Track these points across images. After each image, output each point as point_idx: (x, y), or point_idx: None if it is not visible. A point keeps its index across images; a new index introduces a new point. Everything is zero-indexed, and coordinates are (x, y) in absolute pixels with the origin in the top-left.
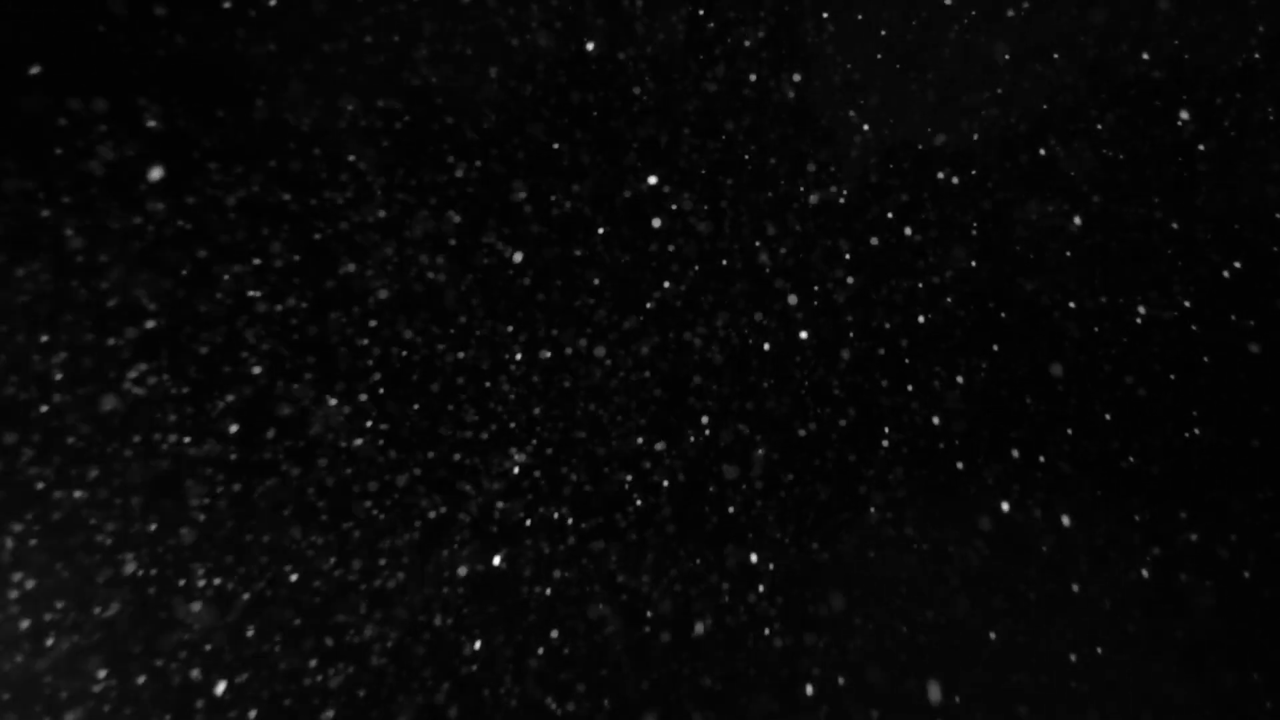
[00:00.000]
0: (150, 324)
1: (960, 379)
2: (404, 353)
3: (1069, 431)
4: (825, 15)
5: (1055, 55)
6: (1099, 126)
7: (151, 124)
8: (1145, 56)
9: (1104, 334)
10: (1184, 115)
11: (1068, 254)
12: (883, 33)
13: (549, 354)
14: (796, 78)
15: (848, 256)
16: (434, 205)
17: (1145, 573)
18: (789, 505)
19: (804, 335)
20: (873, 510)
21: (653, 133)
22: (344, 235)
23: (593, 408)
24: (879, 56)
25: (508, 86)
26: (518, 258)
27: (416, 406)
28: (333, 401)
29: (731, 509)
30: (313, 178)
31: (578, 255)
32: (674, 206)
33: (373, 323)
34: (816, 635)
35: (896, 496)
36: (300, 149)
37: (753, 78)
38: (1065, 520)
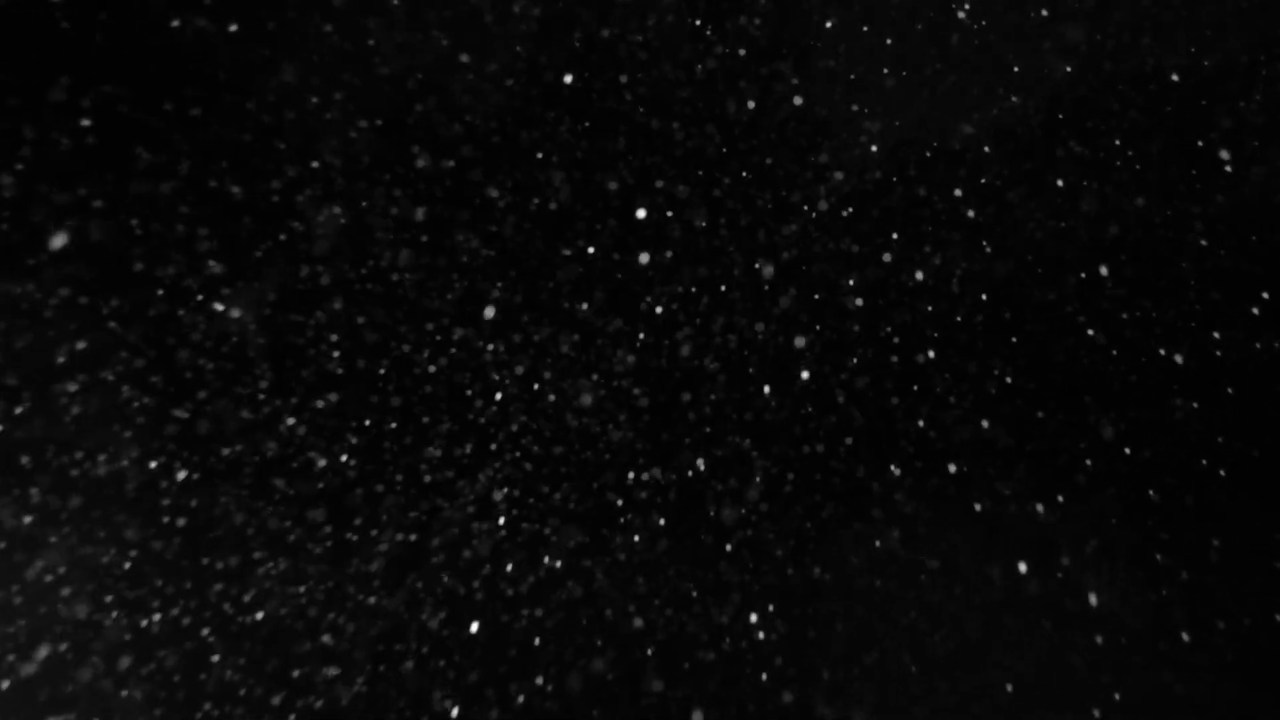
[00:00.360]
0: (83, 341)
1: (974, 389)
2: (370, 362)
3: (1092, 446)
4: (828, 7)
5: (1072, 48)
6: (1116, 140)
7: (86, 123)
8: (1164, 61)
9: (1129, 343)
10: (1204, 116)
11: (1086, 258)
12: (889, 20)
13: (530, 361)
14: (795, 80)
15: (852, 262)
16: (404, 201)
17: (1173, 601)
18: (789, 523)
19: (806, 340)
20: (879, 537)
21: (642, 121)
22: (307, 234)
23: (578, 420)
24: (886, 46)
25: (484, 72)
26: (494, 287)
27: (385, 419)
28: (291, 420)
29: (728, 527)
30: (272, 172)
31: (562, 255)
32: (668, 211)
33: (333, 336)
34: (819, 667)
35: (905, 513)
36: (258, 141)
37: (750, 66)
38: (1088, 541)
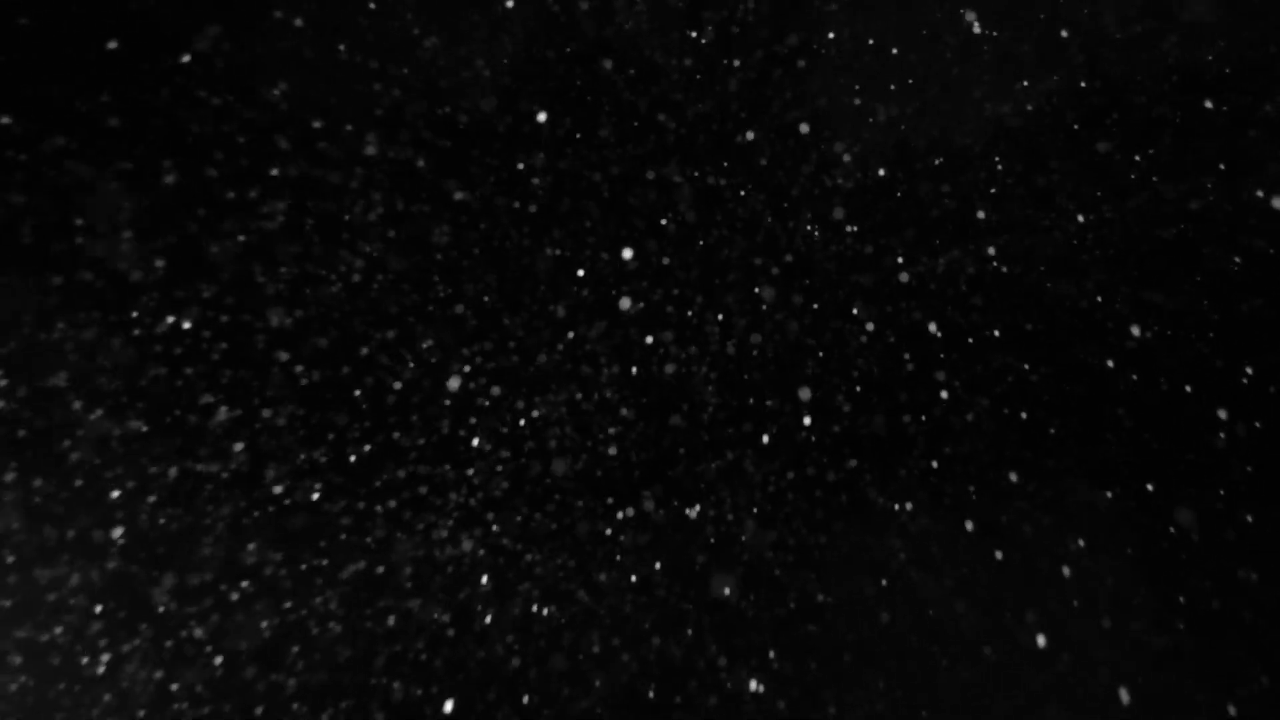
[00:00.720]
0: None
1: (988, 400)
2: (333, 373)
3: (1116, 457)
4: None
5: (1086, 40)
6: (1142, 137)
7: (5, 120)
8: (1189, 56)
9: (1157, 348)
10: (1222, 110)
11: (1107, 257)
12: (896, 7)
13: (508, 370)
14: (801, 63)
15: (856, 263)
16: (371, 197)
17: (1201, 636)
18: (791, 545)
19: (808, 348)
20: (888, 560)
21: (630, 109)
22: (266, 234)
23: (560, 431)
24: (891, 34)
25: (456, 55)
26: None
27: (349, 435)
28: (241, 444)
29: (724, 552)
30: (228, 170)
31: (545, 254)
32: (659, 214)
33: (283, 352)
34: (825, 702)
35: (915, 533)
36: (211, 134)
37: (745, 52)
38: (1112, 558)
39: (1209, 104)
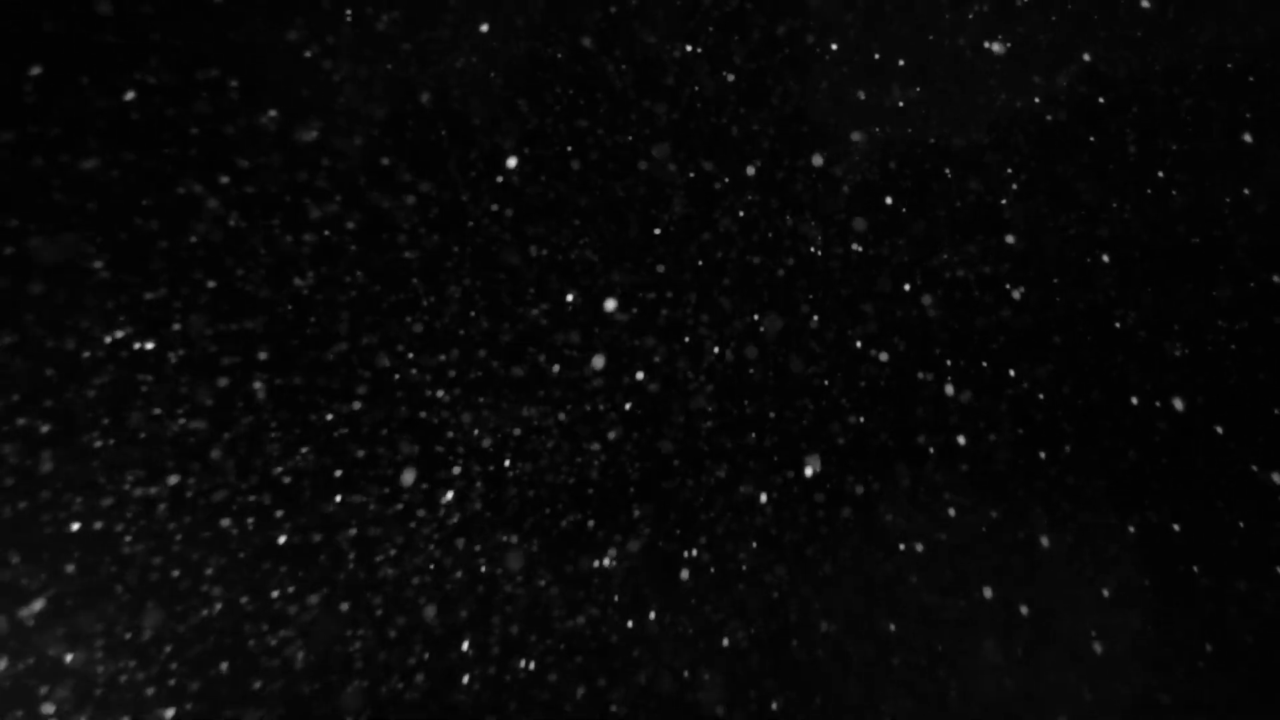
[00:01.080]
0: None
1: (1000, 403)
2: (299, 381)
3: (1136, 474)
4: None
5: (1093, 43)
6: (1132, 135)
7: None
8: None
9: (1181, 360)
10: (1230, 114)
11: (1110, 261)
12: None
13: (488, 379)
14: (809, 40)
15: (861, 264)
16: (331, 192)
17: (1230, 662)
18: (792, 564)
19: (808, 350)
20: (894, 578)
21: (620, 95)
22: (238, 233)
23: (544, 445)
24: (896, 25)
25: (419, 38)
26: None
27: (314, 449)
28: (186, 475)
29: (722, 570)
30: (195, 172)
31: (532, 256)
32: (655, 200)
33: (245, 360)
34: None
35: (923, 552)
36: (170, 133)
37: (745, 38)
38: (1134, 581)
39: (1234, 99)
